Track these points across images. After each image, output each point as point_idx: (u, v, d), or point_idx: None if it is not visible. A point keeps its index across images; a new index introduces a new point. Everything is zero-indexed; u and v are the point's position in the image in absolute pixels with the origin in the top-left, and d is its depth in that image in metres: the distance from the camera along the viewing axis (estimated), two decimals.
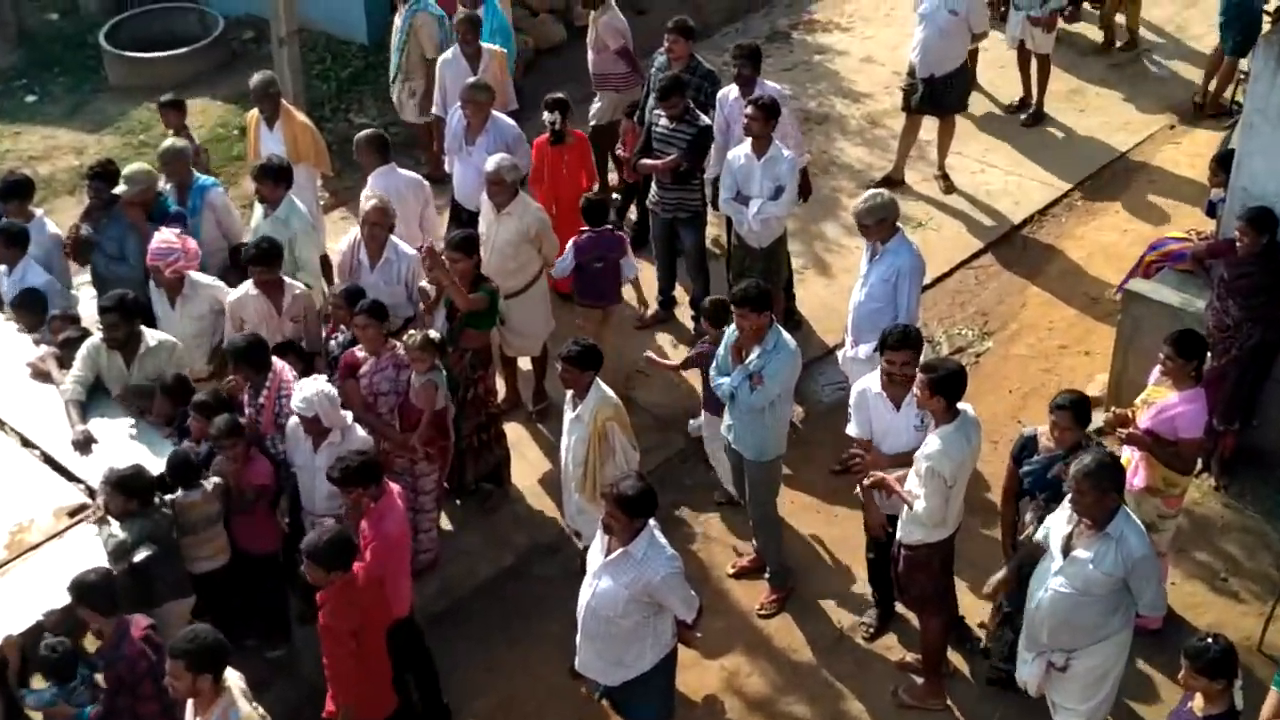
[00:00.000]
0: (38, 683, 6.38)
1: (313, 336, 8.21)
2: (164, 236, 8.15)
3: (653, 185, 9.64)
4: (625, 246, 9.08)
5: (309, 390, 7.16)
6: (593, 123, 10.83)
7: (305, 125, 9.72)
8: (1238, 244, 8.00)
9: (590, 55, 10.81)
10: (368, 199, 8.56)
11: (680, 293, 10.15)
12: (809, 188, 9.94)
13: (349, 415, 7.33)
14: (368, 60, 12.94)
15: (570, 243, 8.97)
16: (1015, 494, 6.97)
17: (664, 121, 9.35)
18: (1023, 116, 12.06)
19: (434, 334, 7.72)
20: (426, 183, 9.44)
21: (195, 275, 8.20)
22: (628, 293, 9.26)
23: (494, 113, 9.58)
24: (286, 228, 8.61)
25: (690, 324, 9.92)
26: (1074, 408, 6.72)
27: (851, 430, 7.34)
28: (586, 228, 8.92)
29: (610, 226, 9.07)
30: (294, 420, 7.30)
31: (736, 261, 9.31)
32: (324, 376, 7.45)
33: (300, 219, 8.70)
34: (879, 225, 8.02)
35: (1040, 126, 12.00)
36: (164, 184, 8.99)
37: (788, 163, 8.90)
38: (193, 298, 8.16)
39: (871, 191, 8.20)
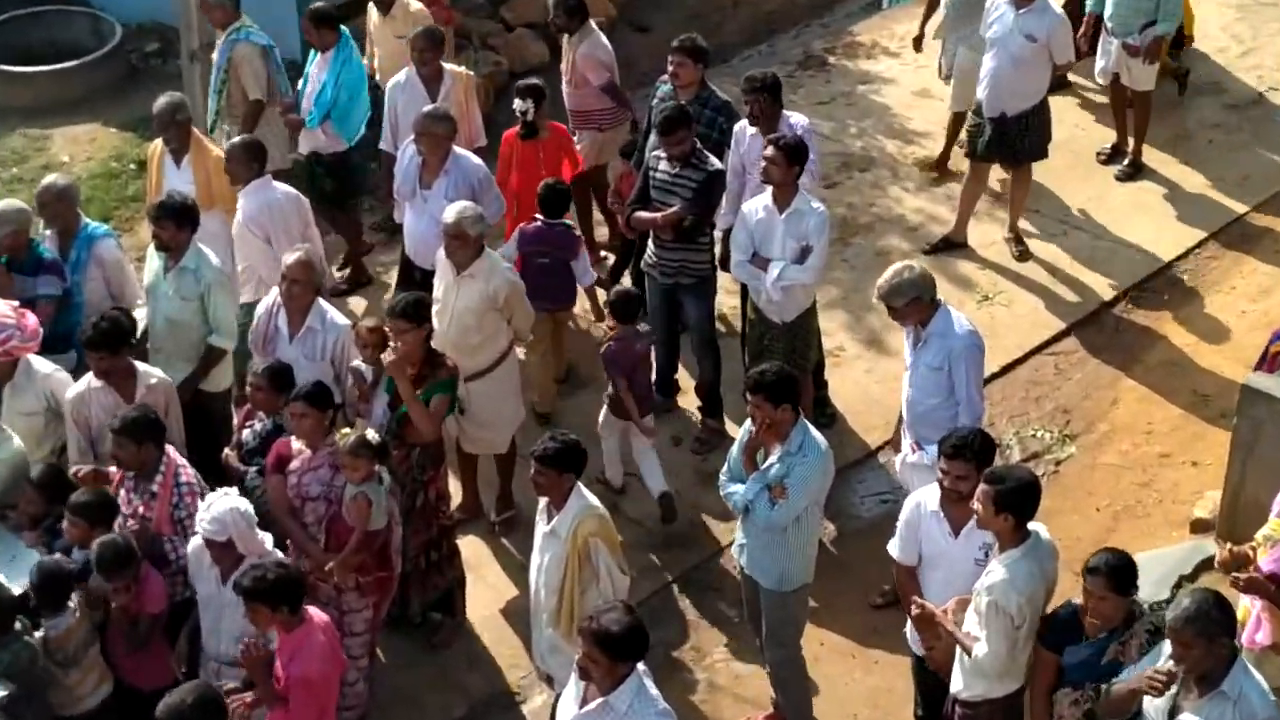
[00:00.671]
0: None
1: (174, 439, 8.15)
2: None
3: (649, 243, 9.74)
4: (579, 247, 9.64)
5: (220, 508, 7.16)
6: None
7: (220, 161, 9.78)
8: None
9: (565, 89, 10.99)
10: (290, 252, 8.66)
11: (684, 375, 10.23)
12: None
13: (268, 539, 7.36)
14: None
15: (516, 230, 9.48)
16: (1051, 688, 6.80)
17: (664, 165, 9.47)
18: (1117, 169, 12.21)
19: (372, 434, 7.75)
20: (306, 200, 9.65)
21: (33, 360, 8.13)
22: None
23: (456, 149, 9.71)
24: (196, 281, 8.69)
25: (697, 414, 10.01)
26: (1112, 573, 6.49)
27: (893, 549, 7.36)
28: (539, 216, 9.58)
29: (567, 224, 9.76)
30: (197, 542, 7.31)
31: (753, 339, 9.40)
32: (234, 490, 7.45)
33: (212, 269, 8.79)
34: (911, 307, 8.09)
35: (1138, 180, 12.17)
36: (43, 229, 9.08)
37: (817, 217, 9.00)
38: (25, 388, 8.09)
39: (898, 265, 8.27)
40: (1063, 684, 6.76)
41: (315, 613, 6.97)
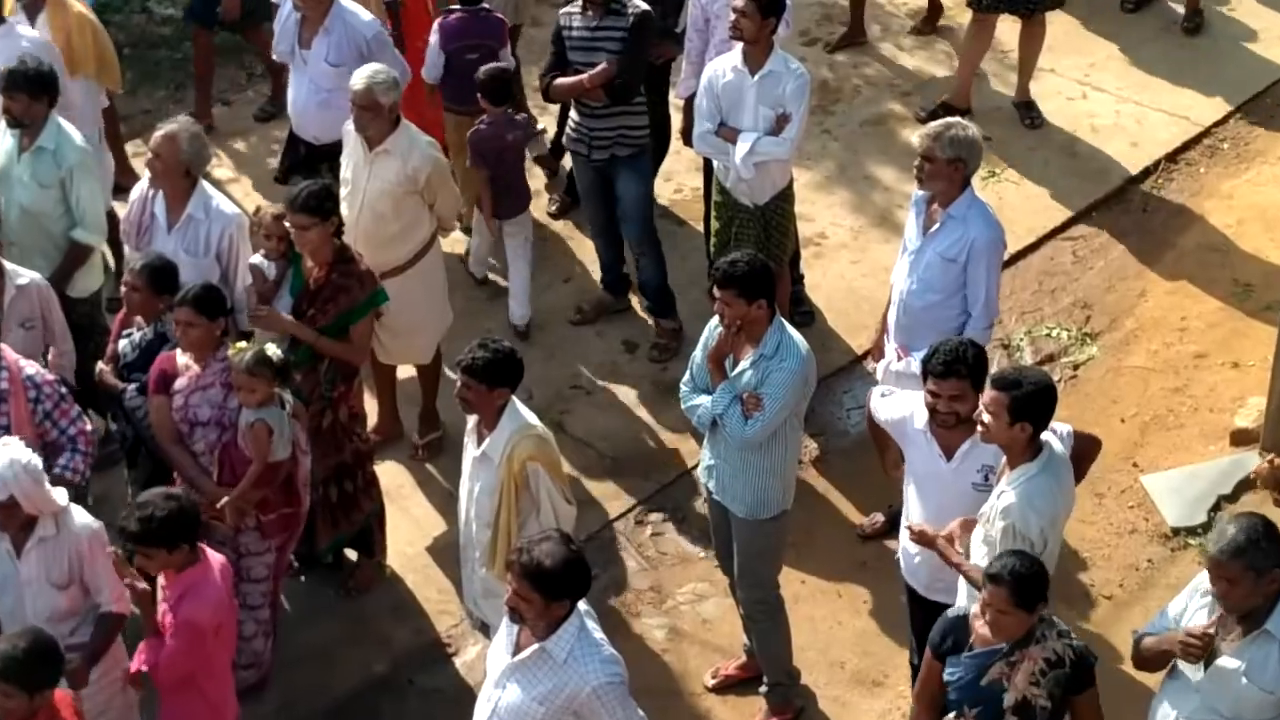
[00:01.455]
0: None
1: (60, 345, 8.06)
2: None
3: (572, 116, 9.72)
4: (506, 34, 9.90)
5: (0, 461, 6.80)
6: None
7: (85, 19, 9.72)
8: None
9: None
10: (161, 126, 8.56)
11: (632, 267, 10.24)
12: None
13: (62, 494, 7.00)
14: None
15: (435, 26, 9.79)
16: (937, 704, 6.61)
17: (579, 20, 9.45)
18: (1179, 21, 12.20)
19: (272, 349, 7.68)
20: (56, 46, 9.56)
21: None
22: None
23: (343, 2, 9.68)
24: (55, 163, 8.62)
25: (648, 316, 10.07)
26: (1017, 585, 6.14)
27: (872, 406, 7.36)
28: (455, 6, 9.83)
29: (487, 7, 10.10)
30: None
31: (720, 226, 9.38)
32: (19, 442, 6.95)
33: (76, 149, 8.71)
34: (951, 169, 8.02)
35: (1198, 37, 12.18)
36: None
37: (796, 80, 8.96)
38: None
39: (953, 119, 8.24)
40: (946, 706, 6.53)
41: (210, 553, 6.94)
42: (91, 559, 6.88)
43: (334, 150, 9.30)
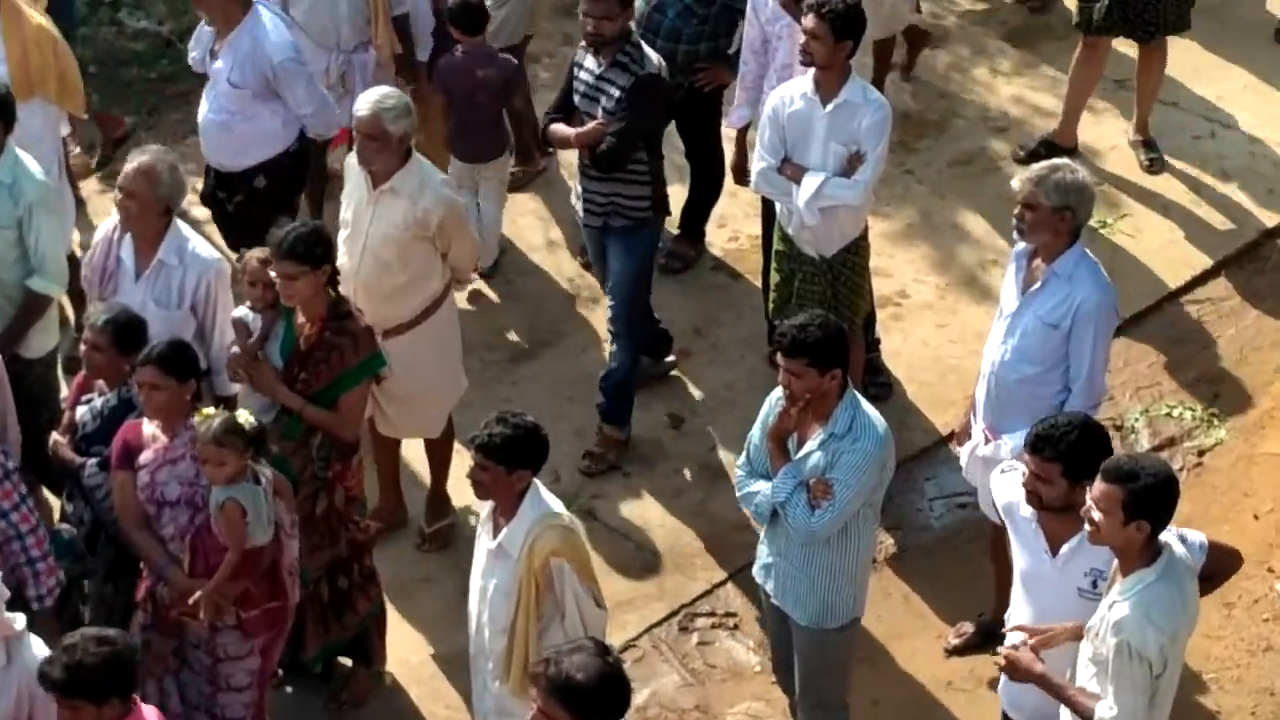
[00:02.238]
0: None
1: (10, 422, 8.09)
2: None
3: (577, 171, 9.73)
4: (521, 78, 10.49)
5: None
6: (493, 42, 11.03)
7: (44, 31, 9.77)
8: None
9: None
10: (133, 155, 8.60)
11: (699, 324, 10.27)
12: None
13: (19, 620, 6.89)
14: None
15: (438, 66, 10.31)
16: None
17: (589, 61, 9.44)
18: None
19: (244, 415, 7.66)
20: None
21: None
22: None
23: (261, 13, 9.74)
24: (11, 200, 8.65)
25: (692, 384, 10.02)
26: None
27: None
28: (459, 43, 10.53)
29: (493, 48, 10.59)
30: None
31: (781, 280, 9.40)
32: None
33: (35, 184, 8.75)
34: (1056, 219, 7.99)
35: None
36: None
37: (874, 112, 8.98)
38: None
39: (1058, 160, 8.21)
40: None
41: (145, 709, 6.71)
42: (46, 703, 6.69)
43: (246, 179, 9.57)
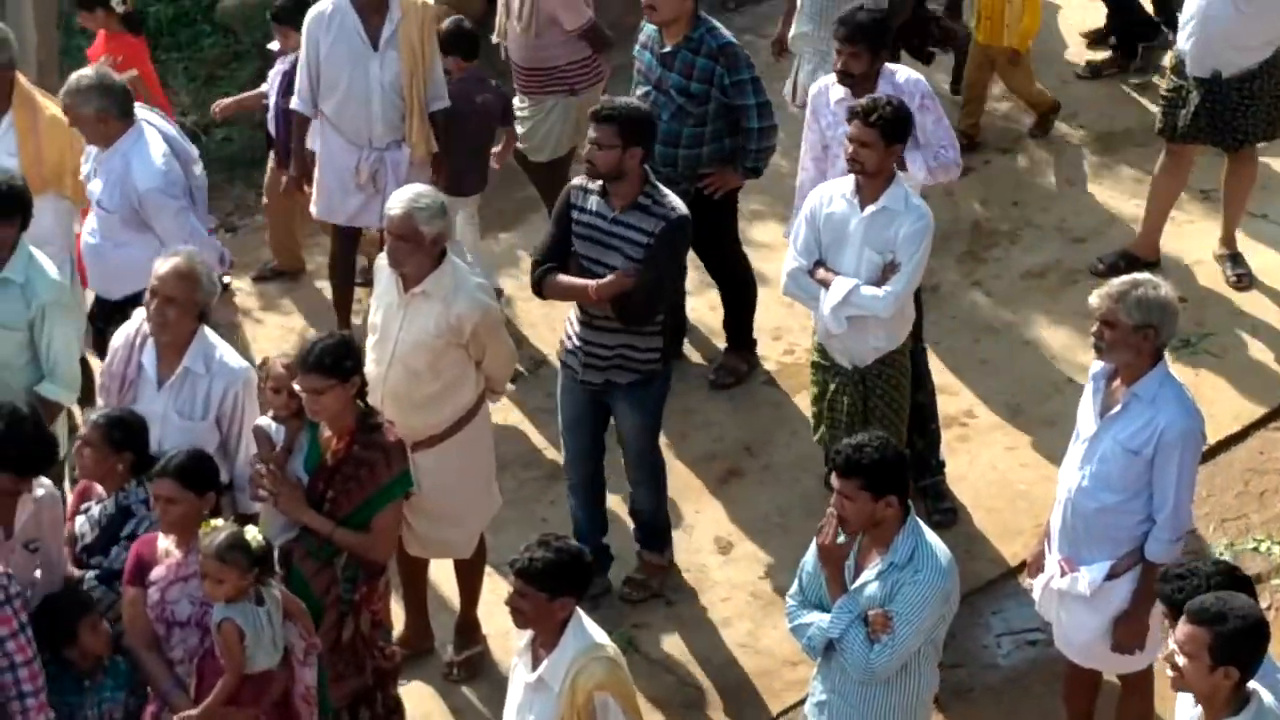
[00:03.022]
0: None
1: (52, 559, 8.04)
2: None
3: (569, 321, 9.46)
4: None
5: None
6: (538, 155, 11.19)
7: (59, 123, 9.85)
8: None
9: (517, 40, 11.17)
10: (167, 256, 8.59)
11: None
12: None
13: None
14: (177, 8, 13.42)
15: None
16: None
17: (596, 201, 9.17)
18: None
19: (252, 533, 7.65)
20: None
21: None
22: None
23: (146, 127, 9.72)
24: (24, 300, 8.69)
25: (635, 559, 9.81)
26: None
27: None
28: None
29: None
30: None
31: (818, 392, 9.50)
32: None
33: (50, 284, 8.79)
34: (1138, 337, 7.92)
35: None
36: None
37: (913, 220, 8.97)
38: None
39: (1140, 275, 8.15)
40: None
41: None
42: None
43: (120, 309, 9.37)
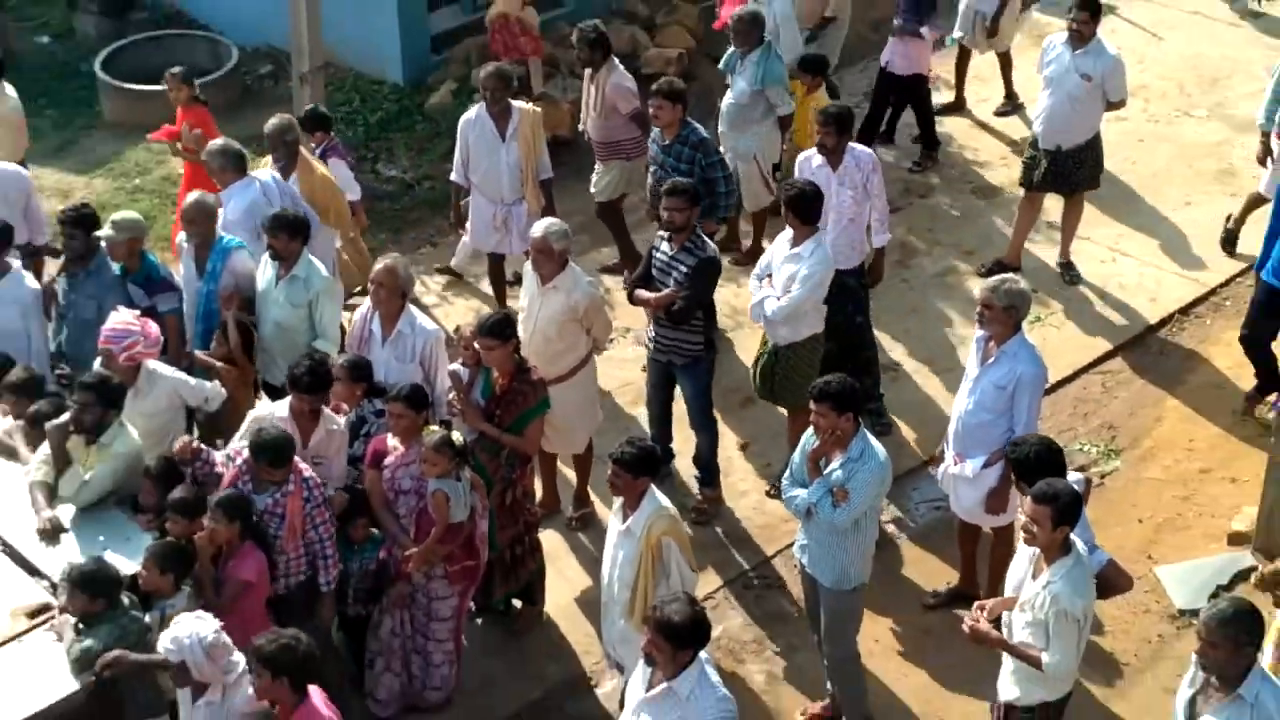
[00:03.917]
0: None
1: (337, 473, 7.95)
2: (122, 316, 8.09)
3: (648, 319, 9.39)
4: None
5: (183, 630, 6.47)
6: (600, 198, 11.06)
7: (326, 179, 9.92)
8: None
9: (592, 120, 10.97)
10: (380, 259, 8.71)
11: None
12: (879, 272, 10.11)
13: (238, 663, 6.52)
14: (401, 103, 13.18)
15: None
16: None
17: (665, 246, 9.02)
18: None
19: (457, 435, 7.74)
20: (25, 171, 10.00)
21: (153, 365, 8.10)
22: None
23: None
24: (306, 289, 8.77)
25: (694, 482, 9.66)
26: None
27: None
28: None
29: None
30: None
31: (758, 356, 9.36)
32: (208, 616, 6.63)
33: (321, 278, 8.86)
34: (1005, 315, 7.97)
35: (1187, 209, 12.04)
36: (183, 241, 9.18)
37: (812, 263, 8.78)
38: (148, 392, 8.04)
39: (1007, 275, 8.21)
40: None
41: (318, 704, 6.41)
42: None
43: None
